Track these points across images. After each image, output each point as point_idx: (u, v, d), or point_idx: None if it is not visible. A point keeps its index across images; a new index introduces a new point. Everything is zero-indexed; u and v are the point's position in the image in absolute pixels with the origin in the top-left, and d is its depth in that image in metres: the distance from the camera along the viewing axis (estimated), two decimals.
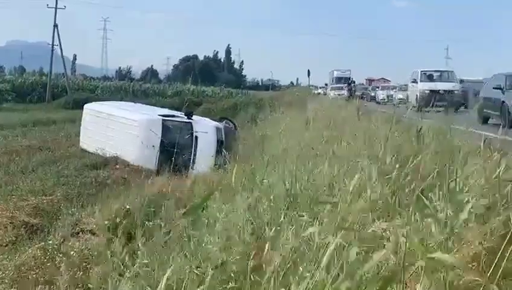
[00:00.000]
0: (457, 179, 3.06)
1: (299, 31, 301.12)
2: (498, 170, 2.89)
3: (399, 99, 31.07)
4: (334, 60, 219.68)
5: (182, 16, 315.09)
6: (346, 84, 41.20)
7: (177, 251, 3.51)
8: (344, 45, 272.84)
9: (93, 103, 21.47)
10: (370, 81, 71.31)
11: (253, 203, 3.71)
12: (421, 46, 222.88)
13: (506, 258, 2.15)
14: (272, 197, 3.90)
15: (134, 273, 3.32)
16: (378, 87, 46.88)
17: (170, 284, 2.71)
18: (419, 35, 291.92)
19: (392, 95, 36.54)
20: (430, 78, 27.26)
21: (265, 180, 4.68)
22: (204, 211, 4.64)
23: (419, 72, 27.27)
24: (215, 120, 18.91)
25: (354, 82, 45.34)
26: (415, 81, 27.17)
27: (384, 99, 38.83)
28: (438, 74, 28.35)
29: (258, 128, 18.09)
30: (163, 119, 16.76)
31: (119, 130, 16.71)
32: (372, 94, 44.94)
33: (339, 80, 50.63)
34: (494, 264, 2.15)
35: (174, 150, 15.23)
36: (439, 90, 24.36)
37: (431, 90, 24.16)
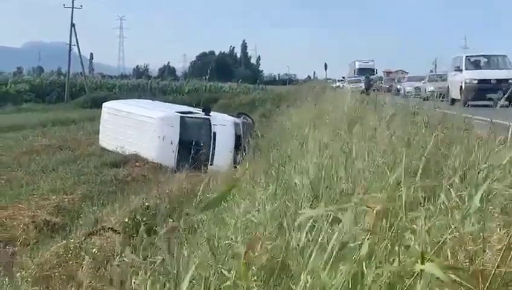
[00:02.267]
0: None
1: (315, 24, 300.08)
2: None
3: (429, 92, 28.16)
4: (350, 52, 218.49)
5: (198, 12, 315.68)
6: (365, 76, 39.90)
7: (200, 247, 3.47)
8: (359, 38, 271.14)
9: (112, 101, 21.56)
10: (388, 73, 70.63)
11: (274, 199, 3.66)
12: (435, 37, 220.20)
13: None
14: (292, 192, 3.85)
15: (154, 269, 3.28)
16: (403, 78, 45.19)
17: (193, 280, 2.68)
18: (432, 27, 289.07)
19: (420, 87, 32.58)
20: (476, 64, 22.93)
21: (285, 175, 4.62)
22: (225, 204, 4.61)
23: (464, 58, 23.01)
24: (233, 116, 18.87)
25: (374, 74, 44.02)
26: (458, 70, 22.68)
27: (412, 92, 36.78)
28: (486, 59, 23.59)
29: (276, 124, 18.02)
30: (181, 116, 16.77)
31: (138, 128, 16.76)
32: (399, 86, 43.18)
33: (361, 71, 48.28)
34: None
35: (193, 147, 15.24)
36: (490, 79, 20.37)
37: (480, 80, 20.57)
